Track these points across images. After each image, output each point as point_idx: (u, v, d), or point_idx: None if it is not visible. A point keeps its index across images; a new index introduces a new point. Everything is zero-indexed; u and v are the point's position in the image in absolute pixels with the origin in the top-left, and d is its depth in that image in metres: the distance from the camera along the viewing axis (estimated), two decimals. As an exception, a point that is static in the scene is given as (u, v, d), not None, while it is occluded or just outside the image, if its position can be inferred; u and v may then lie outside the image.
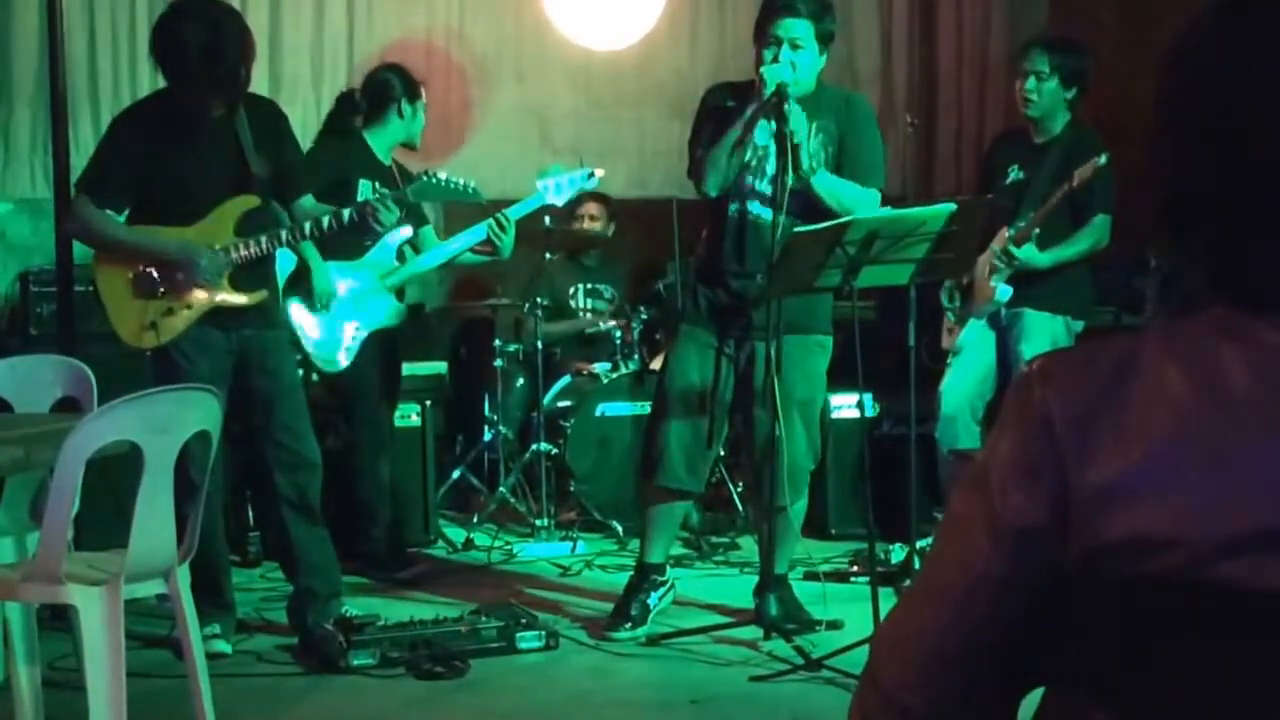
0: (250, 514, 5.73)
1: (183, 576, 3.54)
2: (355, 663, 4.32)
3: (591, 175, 5.45)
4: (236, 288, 4.51)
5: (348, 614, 4.66)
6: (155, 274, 4.45)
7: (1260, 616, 1.14)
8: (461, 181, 4.94)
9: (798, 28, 4.54)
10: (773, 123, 4.53)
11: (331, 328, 5.36)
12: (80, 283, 5.31)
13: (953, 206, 4.38)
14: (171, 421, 3.40)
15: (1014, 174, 5.42)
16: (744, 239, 4.65)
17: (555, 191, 5.39)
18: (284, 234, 4.56)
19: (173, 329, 4.45)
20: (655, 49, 7.92)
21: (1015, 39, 7.84)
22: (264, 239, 4.51)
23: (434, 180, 4.90)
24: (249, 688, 4.25)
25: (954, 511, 1.31)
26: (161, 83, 4.58)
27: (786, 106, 4.43)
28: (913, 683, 1.30)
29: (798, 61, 4.53)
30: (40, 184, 6.91)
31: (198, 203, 4.47)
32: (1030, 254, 5.18)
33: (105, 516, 4.45)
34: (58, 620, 4.13)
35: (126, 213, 4.52)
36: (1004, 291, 5.26)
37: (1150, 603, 1.17)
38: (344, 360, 5.37)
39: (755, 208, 4.63)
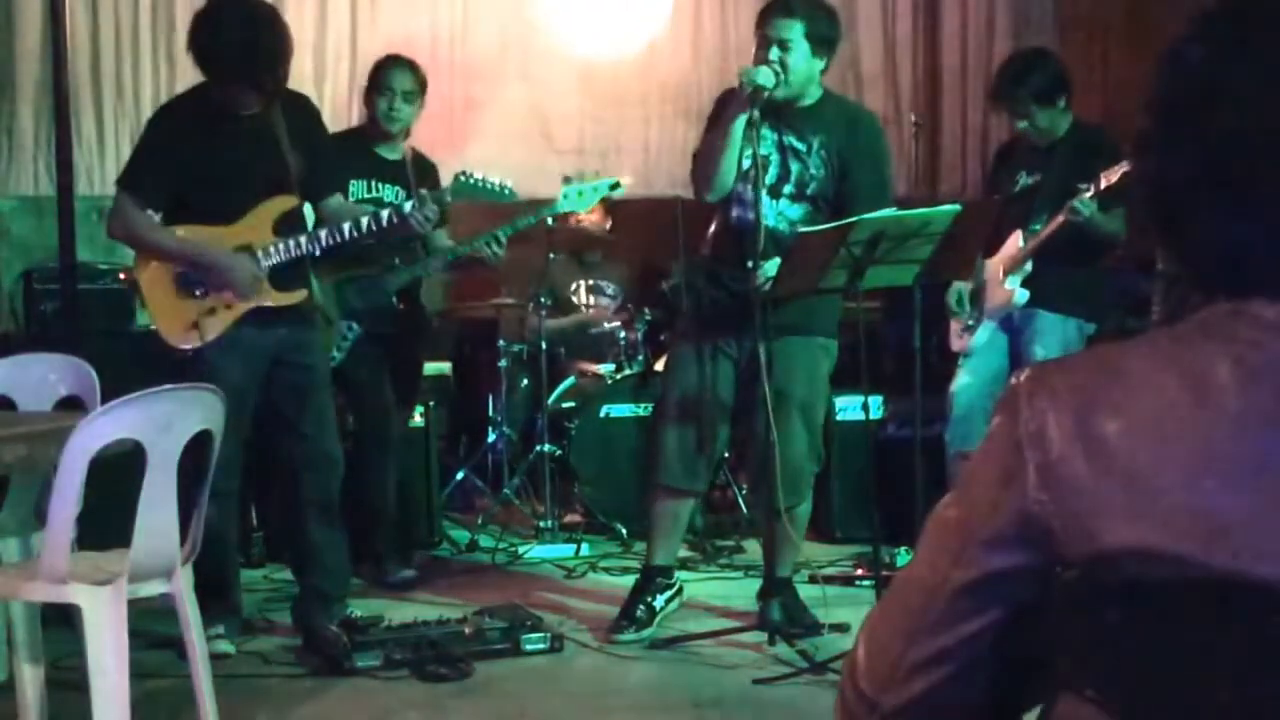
0: (254, 514, 5.71)
1: (186, 576, 3.53)
2: (359, 664, 4.30)
3: (617, 185, 5.41)
4: (275, 287, 4.50)
5: (352, 615, 4.65)
6: (195, 274, 4.44)
7: (1257, 609, 1.14)
8: (497, 182, 4.93)
9: (787, 28, 4.48)
10: (773, 132, 4.50)
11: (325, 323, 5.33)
12: (84, 280, 5.30)
13: (958, 207, 4.37)
14: (174, 420, 3.39)
15: (1023, 180, 5.38)
16: (744, 243, 4.61)
17: (576, 199, 5.36)
18: (324, 235, 4.54)
19: (215, 328, 4.44)
20: (659, 49, 7.92)
21: (1020, 38, 7.85)
22: (304, 239, 4.50)
23: (470, 181, 4.87)
24: (253, 688, 4.23)
25: (938, 516, 1.31)
26: (169, 80, 4.58)
27: (755, 111, 4.40)
28: (881, 680, 1.30)
29: (786, 62, 4.47)
30: (44, 181, 6.91)
31: (237, 201, 4.46)
32: (1091, 208, 5.00)
33: (110, 516, 4.43)
34: (62, 620, 4.11)
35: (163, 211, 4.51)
36: (1022, 295, 5.23)
37: (1152, 607, 1.16)
38: (337, 356, 5.32)
39: (753, 214, 4.59)
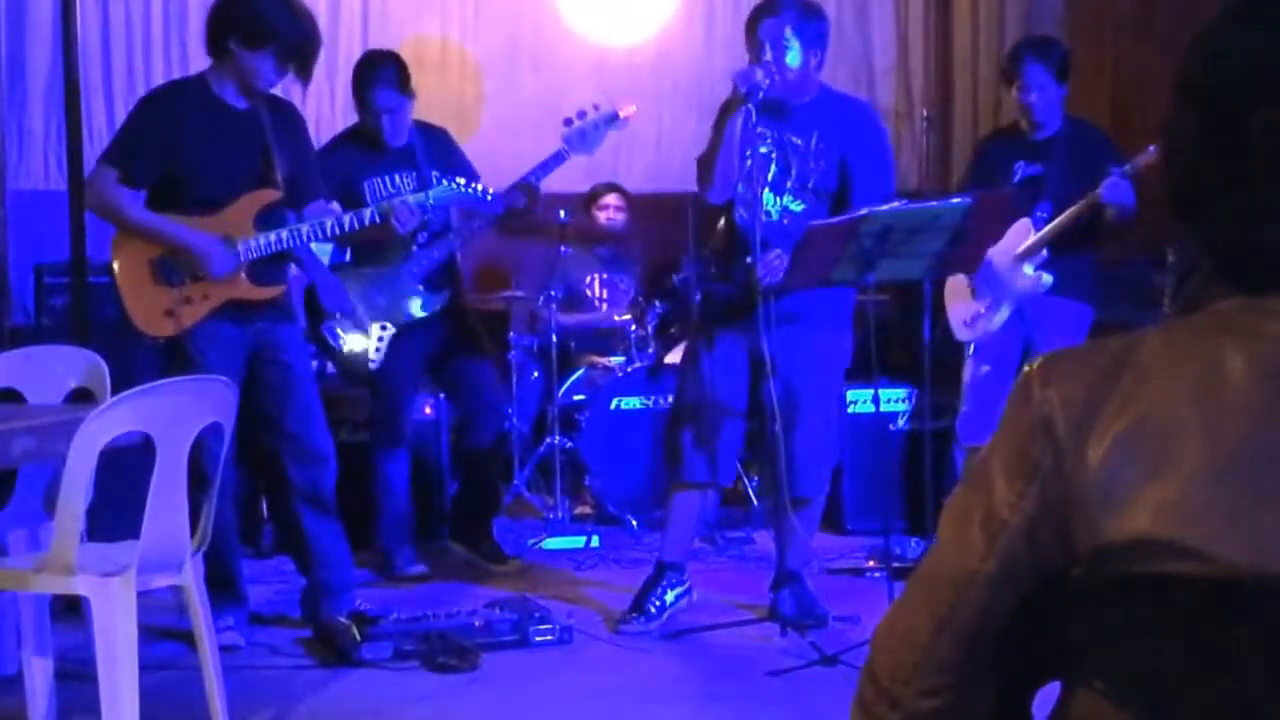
0: (264, 506, 5.71)
1: (195, 568, 3.53)
2: (368, 655, 4.31)
3: (616, 117, 5.15)
4: (253, 281, 4.49)
5: (361, 607, 4.65)
6: (175, 261, 4.43)
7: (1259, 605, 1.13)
8: (479, 187, 4.92)
9: (777, 27, 4.50)
10: (773, 129, 4.49)
11: (359, 331, 5.33)
12: (94, 273, 5.30)
13: (969, 201, 4.35)
14: (184, 412, 3.39)
15: (1022, 171, 5.35)
16: (752, 241, 4.60)
17: (580, 141, 5.18)
18: (305, 230, 4.54)
19: (189, 318, 4.43)
20: (671, 41, 7.90)
21: (1031, 31, 7.80)
22: (284, 233, 4.49)
23: (452, 186, 4.86)
24: (262, 680, 4.24)
25: (953, 506, 1.31)
26: (180, 72, 4.58)
27: (749, 109, 4.39)
28: (903, 676, 1.30)
29: (782, 61, 4.47)
30: (54, 174, 6.91)
31: (220, 193, 4.45)
32: (1124, 193, 5.03)
33: (120, 508, 4.44)
34: (71, 612, 4.12)
35: (144, 193, 4.50)
36: (1049, 278, 5.15)
37: (1160, 602, 1.16)
38: (375, 359, 5.32)
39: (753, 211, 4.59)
